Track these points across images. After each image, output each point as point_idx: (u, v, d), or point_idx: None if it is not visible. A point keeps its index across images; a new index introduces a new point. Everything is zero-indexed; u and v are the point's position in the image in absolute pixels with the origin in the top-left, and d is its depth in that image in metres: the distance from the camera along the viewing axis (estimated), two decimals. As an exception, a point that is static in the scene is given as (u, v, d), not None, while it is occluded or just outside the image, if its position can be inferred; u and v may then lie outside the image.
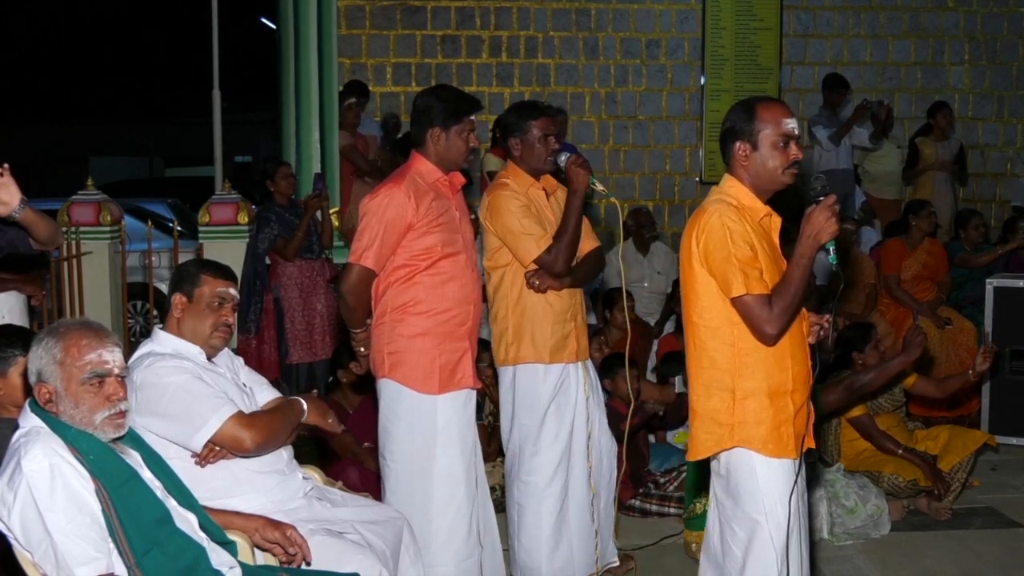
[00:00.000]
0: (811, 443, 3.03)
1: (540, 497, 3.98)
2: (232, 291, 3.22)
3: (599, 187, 3.97)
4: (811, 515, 4.56)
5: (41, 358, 2.60)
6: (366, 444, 4.96)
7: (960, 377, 4.94)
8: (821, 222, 2.79)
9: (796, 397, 2.92)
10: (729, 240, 2.82)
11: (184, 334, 3.15)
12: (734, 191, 2.96)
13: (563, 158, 3.93)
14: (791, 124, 2.91)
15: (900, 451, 4.93)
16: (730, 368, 2.89)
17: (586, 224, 4.09)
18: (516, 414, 4.01)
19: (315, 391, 3.57)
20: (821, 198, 2.83)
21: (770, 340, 2.84)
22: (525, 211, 3.90)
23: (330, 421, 3.36)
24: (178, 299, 3.15)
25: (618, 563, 4.27)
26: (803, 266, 2.80)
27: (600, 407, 4.18)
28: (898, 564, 4.48)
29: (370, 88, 9.24)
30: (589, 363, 4.16)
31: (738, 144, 2.94)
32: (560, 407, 3.99)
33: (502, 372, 4.06)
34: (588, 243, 4.06)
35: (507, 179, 3.99)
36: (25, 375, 2.77)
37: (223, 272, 3.24)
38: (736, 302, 2.83)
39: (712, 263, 2.86)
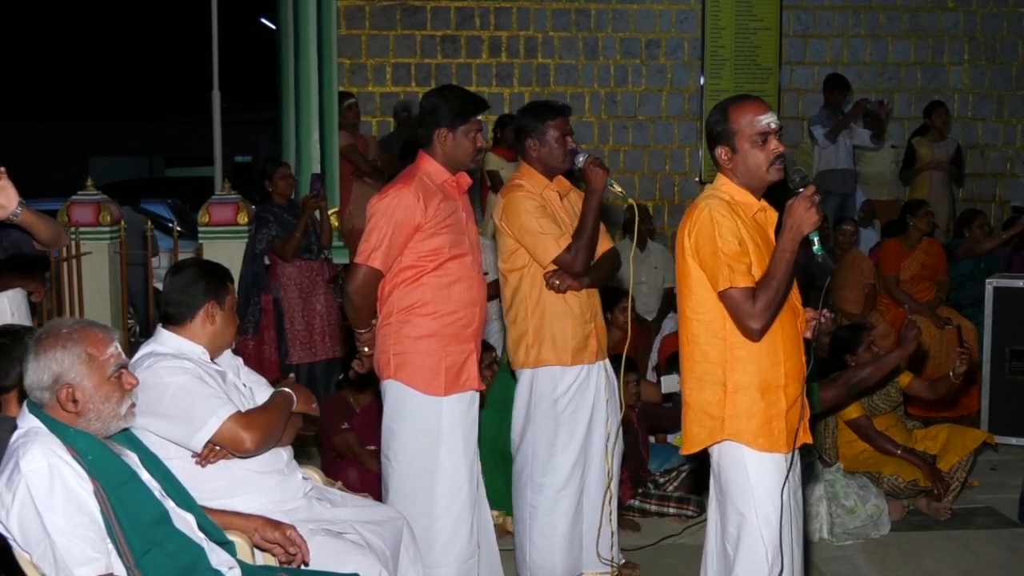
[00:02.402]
0: (807, 438, 3.04)
1: (555, 499, 4.00)
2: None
3: (617, 188, 3.99)
4: (811, 515, 4.60)
5: (63, 361, 2.55)
6: (370, 447, 4.96)
7: (946, 380, 4.94)
8: (801, 213, 2.80)
9: (788, 391, 2.93)
10: (717, 234, 2.85)
11: (204, 339, 3.16)
12: (727, 188, 2.99)
13: (580, 159, 3.94)
14: (765, 120, 2.91)
15: (899, 451, 4.93)
16: (721, 361, 2.91)
17: (601, 226, 4.12)
18: (532, 416, 4.02)
19: (291, 375, 3.58)
20: (800, 189, 2.84)
21: (755, 335, 2.85)
22: (541, 211, 3.91)
23: (313, 406, 3.41)
24: (214, 308, 3.16)
25: (623, 561, 4.28)
26: (785, 260, 2.81)
27: (616, 409, 4.16)
28: (898, 564, 4.49)
29: (370, 88, 9.26)
30: (608, 363, 4.16)
31: (719, 149, 2.97)
32: (577, 409, 4.01)
33: (520, 375, 4.07)
34: (603, 244, 4.09)
35: (521, 180, 4.00)
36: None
37: (231, 276, 3.31)
38: (722, 296, 2.86)
39: (702, 257, 2.88)
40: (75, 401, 2.57)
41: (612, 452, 4.11)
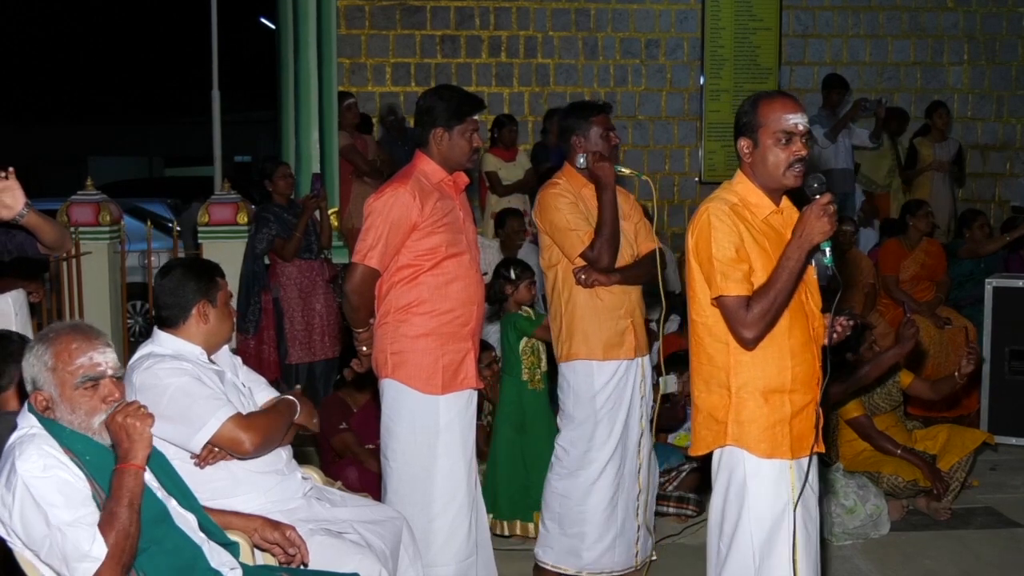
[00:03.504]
0: (820, 447, 2.94)
1: (588, 490, 4.05)
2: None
3: (626, 172, 4.04)
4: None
5: (34, 366, 2.59)
6: (369, 446, 4.96)
7: (949, 380, 4.93)
8: (812, 222, 2.72)
9: (795, 398, 2.86)
10: (712, 240, 2.79)
11: (200, 339, 3.15)
12: (740, 187, 2.92)
13: (582, 159, 3.97)
14: (793, 119, 2.81)
15: (899, 451, 4.93)
16: (725, 366, 2.87)
17: (646, 226, 4.16)
18: (572, 411, 4.08)
19: (298, 387, 3.57)
20: (817, 197, 2.75)
21: (747, 343, 2.79)
22: (572, 208, 3.96)
23: (314, 421, 3.40)
24: (205, 307, 3.14)
25: (656, 558, 4.31)
26: (789, 268, 2.74)
27: (649, 404, 4.21)
28: (898, 564, 4.48)
29: (370, 88, 9.26)
30: (647, 360, 4.19)
31: (741, 141, 2.89)
32: (615, 404, 4.05)
33: (560, 369, 4.14)
34: (647, 244, 4.12)
35: (559, 179, 4.06)
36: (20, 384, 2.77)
37: (221, 271, 3.27)
38: (716, 303, 2.82)
39: (700, 262, 2.85)
40: (48, 408, 2.58)
41: (641, 448, 4.15)
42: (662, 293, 4.01)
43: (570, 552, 4.11)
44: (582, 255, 3.93)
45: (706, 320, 2.90)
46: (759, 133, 2.84)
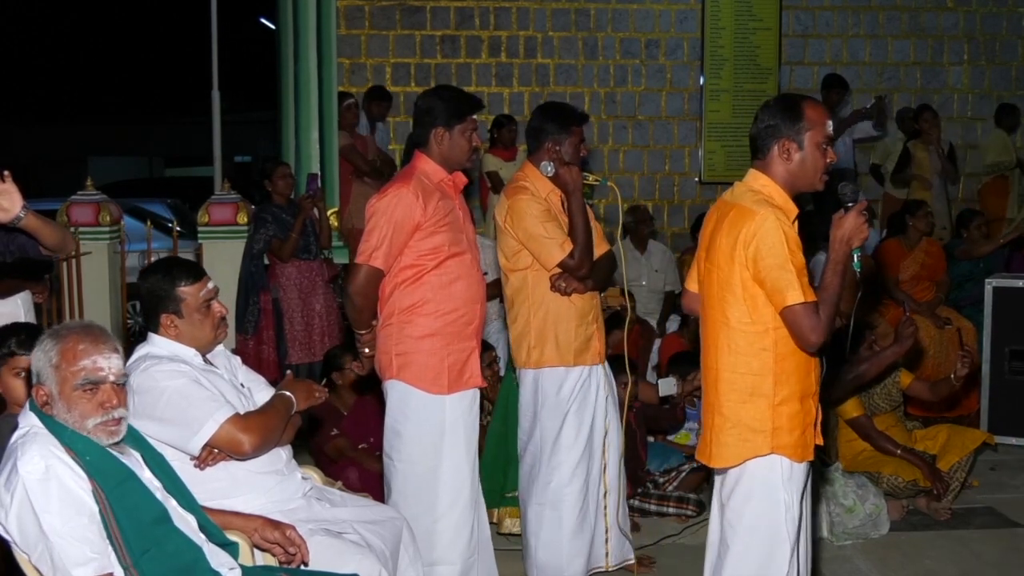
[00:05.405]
0: (819, 439, 3.00)
1: (560, 495, 4.01)
2: (210, 284, 3.17)
3: (592, 178, 4.01)
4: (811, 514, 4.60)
5: (40, 360, 2.60)
6: (362, 445, 4.95)
7: (947, 383, 4.93)
8: (856, 226, 2.77)
9: (814, 400, 2.92)
10: (786, 247, 2.75)
11: (184, 342, 3.14)
12: (769, 191, 2.87)
13: (549, 168, 3.94)
14: (832, 127, 2.88)
15: (899, 451, 4.92)
16: (768, 373, 2.84)
17: (598, 229, 4.11)
18: (537, 416, 4.04)
19: (289, 372, 3.54)
20: (851, 204, 2.80)
21: (813, 348, 2.80)
22: (547, 215, 3.91)
23: (316, 395, 3.35)
24: (168, 319, 3.10)
25: (633, 561, 4.26)
26: (840, 272, 2.78)
27: (615, 406, 4.18)
28: (898, 564, 4.48)
29: (370, 88, 9.25)
30: (606, 364, 4.17)
31: (783, 142, 2.85)
32: (580, 408, 4.02)
33: (523, 374, 4.08)
34: (601, 247, 4.08)
35: (526, 182, 3.99)
36: (28, 374, 2.78)
37: (192, 273, 3.16)
38: (787, 310, 2.75)
39: (762, 268, 2.77)
40: (47, 403, 2.58)
41: (607, 448, 4.12)
42: (625, 296, 4.04)
43: (552, 562, 4.04)
44: (562, 263, 3.88)
45: (749, 328, 2.84)
46: (805, 136, 2.84)
